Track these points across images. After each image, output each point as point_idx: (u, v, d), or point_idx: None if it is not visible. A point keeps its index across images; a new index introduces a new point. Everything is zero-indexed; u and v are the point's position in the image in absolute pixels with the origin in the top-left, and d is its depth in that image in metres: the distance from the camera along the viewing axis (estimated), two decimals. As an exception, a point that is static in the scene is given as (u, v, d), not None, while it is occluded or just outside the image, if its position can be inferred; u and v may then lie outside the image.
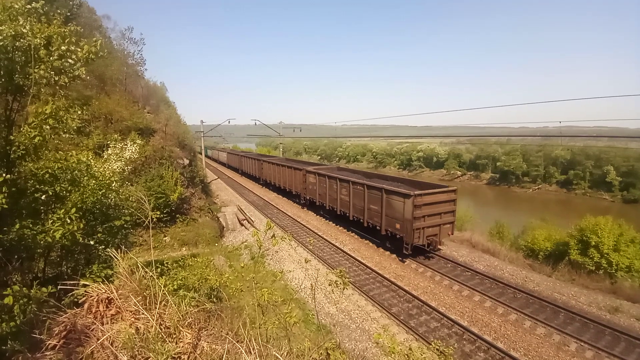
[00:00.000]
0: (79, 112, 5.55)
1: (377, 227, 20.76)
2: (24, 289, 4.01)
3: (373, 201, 20.95)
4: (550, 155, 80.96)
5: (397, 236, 19.16)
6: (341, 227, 25.85)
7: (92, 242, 5.79)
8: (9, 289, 3.86)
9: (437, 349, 4.17)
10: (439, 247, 20.02)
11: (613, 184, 69.44)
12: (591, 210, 30.84)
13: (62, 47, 5.11)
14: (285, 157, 54.30)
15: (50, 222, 5.16)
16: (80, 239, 5.42)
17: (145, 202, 4.74)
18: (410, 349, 3.72)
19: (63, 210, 5.25)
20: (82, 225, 5.39)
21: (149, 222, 4.46)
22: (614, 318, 13.83)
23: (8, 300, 3.74)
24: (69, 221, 5.19)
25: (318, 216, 29.22)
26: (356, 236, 23.88)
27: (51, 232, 5.01)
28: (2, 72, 4.77)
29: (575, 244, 19.54)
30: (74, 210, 5.27)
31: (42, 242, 5.04)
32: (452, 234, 20.03)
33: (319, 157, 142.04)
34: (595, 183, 73.18)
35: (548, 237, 21.97)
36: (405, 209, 18.29)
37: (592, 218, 19.79)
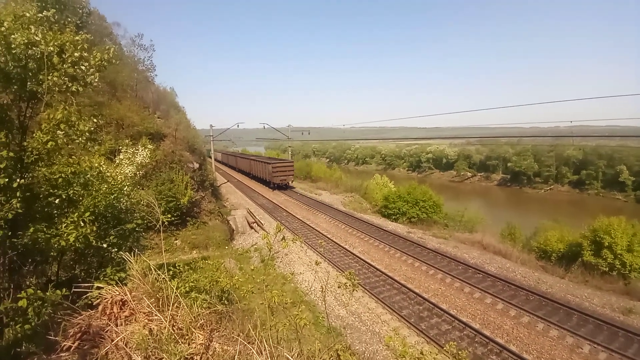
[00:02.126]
0: (95, 121, 5.62)
1: (264, 178, 46.29)
2: (39, 291, 4.07)
3: (261, 167, 47.68)
4: (562, 155, 79.86)
5: (268, 180, 44.14)
6: (257, 182, 49.73)
7: (104, 245, 5.86)
8: (23, 292, 3.93)
9: (450, 352, 4.11)
10: (290, 185, 45.44)
11: (626, 184, 68.40)
12: (604, 210, 30.36)
13: (75, 54, 5.19)
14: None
15: (64, 225, 5.23)
16: (94, 242, 5.50)
17: (155, 205, 4.77)
18: (421, 353, 3.69)
19: (77, 214, 5.33)
20: (94, 229, 5.47)
21: (160, 225, 4.50)
22: (628, 319, 13.59)
23: (22, 303, 3.80)
24: (82, 224, 5.26)
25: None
26: (262, 185, 47.65)
27: (65, 235, 5.08)
28: (15, 80, 4.86)
29: (589, 245, 19.27)
30: (87, 213, 5.34)
31: (55, 245, 5.12)
32: (293, 180, 46.49)
33: (328, 160, 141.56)
34: (608, 183, 72.11)
35: (561, 238, 21.69)
36: (269, 169, 43.57)
37: (605, 218, 19.51)
